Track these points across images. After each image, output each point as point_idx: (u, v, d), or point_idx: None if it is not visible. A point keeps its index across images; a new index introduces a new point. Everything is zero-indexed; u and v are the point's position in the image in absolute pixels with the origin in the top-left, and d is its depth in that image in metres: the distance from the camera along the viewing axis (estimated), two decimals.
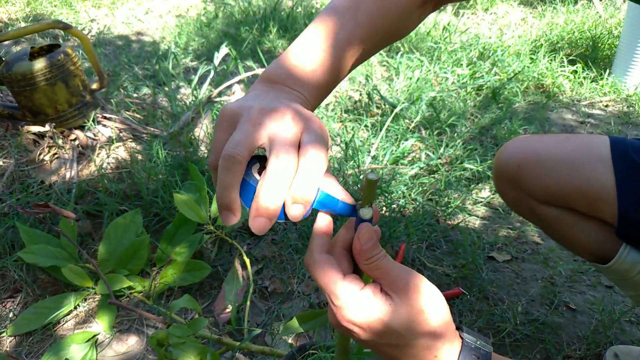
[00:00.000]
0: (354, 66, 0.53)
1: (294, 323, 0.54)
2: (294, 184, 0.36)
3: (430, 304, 0.39)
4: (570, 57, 2.56)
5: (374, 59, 2.59)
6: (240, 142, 0.36)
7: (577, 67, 2.42)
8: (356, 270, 0.41)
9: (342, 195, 0.39)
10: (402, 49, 2.67)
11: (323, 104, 2.13)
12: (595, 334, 1.05)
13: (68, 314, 1.11)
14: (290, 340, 1.02)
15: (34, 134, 1.49)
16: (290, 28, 2.94)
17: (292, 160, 0.36)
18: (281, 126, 0.38)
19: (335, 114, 2.02)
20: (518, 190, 0.79)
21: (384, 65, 2.58)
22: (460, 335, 0.42)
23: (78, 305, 1.13)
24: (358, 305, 0.38)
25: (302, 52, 0.48)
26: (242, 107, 0.39)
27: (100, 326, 1.07)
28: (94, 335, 1.05)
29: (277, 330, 1.05)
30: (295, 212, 0.36)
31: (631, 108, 2.18)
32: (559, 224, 0.76)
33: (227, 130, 0.39)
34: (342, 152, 1.69)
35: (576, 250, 0.79)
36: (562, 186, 0.72)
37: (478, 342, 0.41)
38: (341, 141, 1.76)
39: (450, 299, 1.14)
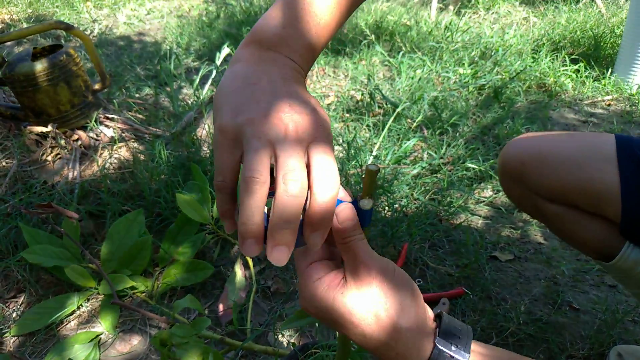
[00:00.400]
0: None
1: (294, 318, 0.54)
2: (311, 210, 0.34)
3: (391, 297, 0.38)
4: (573, 56, 2.55)
5: (376, 59, 2.59)
6: (257, 162, 0.33)
7: (579, 66, 2.41)
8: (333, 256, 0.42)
9: (342, 194, 0.39)
10: (403, 48, 2.67)
11: (325, 104, 2.13)
12: (599, 334, 1.05)
13: (71, 314, 1.11)
14: (292, 340, 1.02)
15: (37, 134, 1.49)
16: None
17: (303, 181, 0.34)
18: (288, 139, 0.35)
19: (337, 113, 2.02)
20: (523, 187, 0.79)
21: (386, 65, 2.58)
22: (434, 340, 0.39)
23: (81, 305, 1.13)
24: (311, 296, 0.38)
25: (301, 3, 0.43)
26: (241, 123, 0.36)
27: (103, 326, 1.07)
28: (97, 336, 1.05)
29: (280, 330, 1.05)
30: (316, 241, 0.35)
31: (634, 107, 2.17)
32: (563, 222, 0.76)
33: (231, 149, 0.36)
34: (344, 151, 1.68)
35: (580, 247, 0.79)
36: (566, 184, 0.72)
37: (453, 348, 0.38)
38: (343, 141, 1.76)
39: (453, 299, 1.13)
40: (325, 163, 0.35)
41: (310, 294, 0.38)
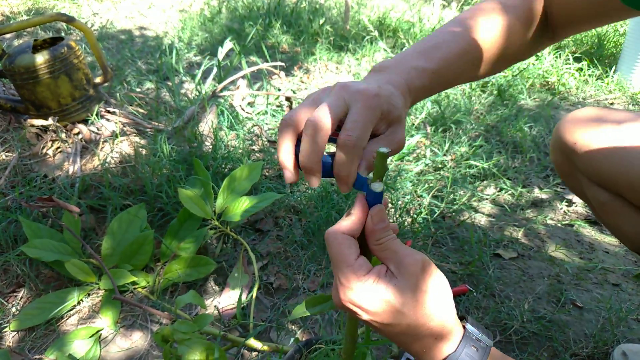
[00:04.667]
0: (462, 79, 0.56)
1: (302, 307, 0.54)
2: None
3: (435, 287, 0.40)
4: (576, 55, 2.54)
5: (379, 55, 2.57)
6: (325, 111, 0.40)
7: (582, 64, 2.40)
8: (364, 252, 0.43)
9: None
10: (406, 45, 2.65)
11: None
12: (603, 332, 1.04)
13: (71, 309, 1.10)
14: (296, 336, 1.01)
15: (37, 127, 1.48)
16: (294, 23, 2.93)
17: (366, 136, 0.41)
18: (360, 102, 0.42)
19: None
20: (572, 165, 0.77)
21: None
22: (463, 325, 0.43)
23: (82, 300, 1.12)
24: (362, 288, 0.39)
25: (413, 50, 0.53)
26: (331, 85, 0.45)
27: (104, 322, 1.06)
28: (98, 331, 1.04)
29: (283, 326, 1.04)
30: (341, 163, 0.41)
31: (636, 106, 2.16)
32: (608, 210, 0.75)
33: (312, 103, 0.44)
34: None
35: (621, 238, 0.78)
36: (615, 174, 0.70)
37: (480, 335, 0.42)
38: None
39: (456, 296, 1.13)
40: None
41: (360, 286, 0.39)
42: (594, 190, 0.75)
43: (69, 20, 1.45)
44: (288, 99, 1.75)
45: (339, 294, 0.41)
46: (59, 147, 1.46)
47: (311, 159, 0.40)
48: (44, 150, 1.44)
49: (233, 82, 2.10)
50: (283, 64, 2.28)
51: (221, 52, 2.16)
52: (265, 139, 1.72)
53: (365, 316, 0.40)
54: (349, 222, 0.41)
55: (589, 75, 2.38)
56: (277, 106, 2.01)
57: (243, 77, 2.11)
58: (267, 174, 1.53)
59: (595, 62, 2.49)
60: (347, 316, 0.50)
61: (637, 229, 0.73)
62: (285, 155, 0.42)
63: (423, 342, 0.40)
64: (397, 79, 0.48)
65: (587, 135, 0.73)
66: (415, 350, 0.41)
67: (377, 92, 0.42)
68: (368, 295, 0.39)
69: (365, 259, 0.41)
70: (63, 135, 1.47)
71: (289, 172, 0.42)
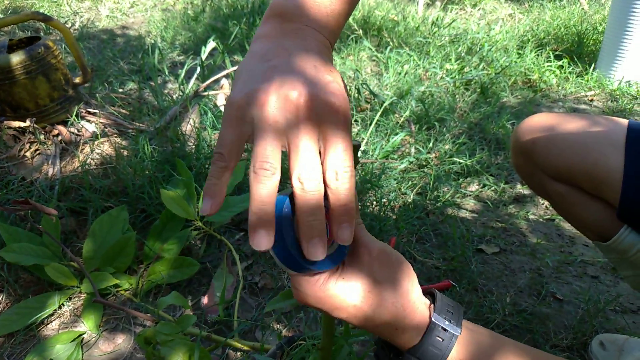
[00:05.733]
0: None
1: (277, 300, 0.54)
2: (332, 205, 0.34)
3: (392, 275, 0.39)
4: (557, 53, 2.58)
5: (364, 54, 2.58)
6: (267, 151, 0.32)
7: (563, 62, 2.44)
8: None
9: None
10: (391, 43, 2.66)
11: None
12: (582, 323, 1.06)
13: (52, 313, 1.09)
14: (282, 334, 1.01)
15: (14, 129, 1.45)
16: None
17: (318, 177, 0.33)
18: (299, 125, 0.33)
19: None
20: (532, 165, 0.81)
21: (374, 60, 2.57)
22: (430, 315, 0.40)
23: (63, 304, 1.10)
24: (310, 288, 0.37)
25: None
26: (250, 102, 0.33)
27: (86, 325, 1.05)
28: (80, 335, 1.02)
29: (268, 325, 1.04)
30: (344, 234, 0.34)
31: (615, 102, 2.21)
32: (566, 201, 0.79)
33: (237, 125, 0.34)
34: None
35: (579, 227, 0.82)
36: (571, 165, 0.74)
37: (446, 323, 0.40)
38: None
39: (440, 291, 1.14)
40: (338, 151, 0.33)
41: (307, 290, 0.38)
42: (554, 184, 0.79)
43: (46, 19, 1.42)
44: None
45: (296, 296, 0.39)
46: (37, 149, 1.43)
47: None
48: (22, 153, 1.41)
49: (217, 81, 2.08)
50: None
51: (204, 52, 2.14)
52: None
53: (321, 309, 0.39)
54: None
55: (570, 72, 2.42)
56: None
57: (227, 76, 2.10)
58: None
59: (576, 59, 2.53)
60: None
61: (595, 216, 0.76)
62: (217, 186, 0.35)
63: (386, 331, 0.40)
64: (319, 41, 0.39)
65: (543, 134, 0.78)
66: (395, 340, 0.41)
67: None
68: (321, 294, 0.38)
69: None
70: (42, 137, 1.45)
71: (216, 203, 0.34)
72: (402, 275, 0.40)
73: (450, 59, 2.41)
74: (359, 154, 1.49)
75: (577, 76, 2.41)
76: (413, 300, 0.40)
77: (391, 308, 0.38)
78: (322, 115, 0.34)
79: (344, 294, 0.38)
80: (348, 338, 0.61)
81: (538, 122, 0.80)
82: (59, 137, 1.49)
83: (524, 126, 0.81)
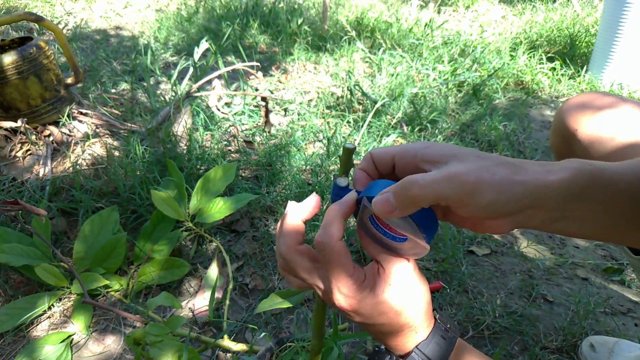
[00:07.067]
0: None
1: (267, 302, 0.54)
2: None
3: (418, 278, 0.42)
4: (549, 55, 2.59)
5: (357, 55, 2.58)
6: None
7: (555, 64, 2.46)
8: None
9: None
10: (384, 45, 2.67)
11: (305, 100, 2.12)
12: (572, 325, 1.07)
13: (42, 314, 1.08)
14: (269, 334, 1.01)
15: (6, 129, 1.44)
16: (272, 23, 2.92)
17: None
18: None
19: (318, 109, 2.01)
20: (570, 150, 0.77)
21: (367, 62, 2.58)
22: (434, 316, 0.44)
23: (52, 305, 1.10)
24: (362, 296, 0.40)
25: None
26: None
27: (76, 326, 1.04)
28: (69, 336, 1.02)
29: (258, 327, 1.04)
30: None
31: None
32: None
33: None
34: (324, 148, 1.68)
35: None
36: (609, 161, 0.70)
37: (448, 325, 0.44)
38: (324, 137, 1.75)
39: (431, 293, 1.14)
40: None
41: (360, 295, 0.40)
42: None
43: (38, 19, 1.42)
44: (264, 99, 1.74)
45: (339, 302, 0.40)
46: (28, 150, 1.43)
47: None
48: (13, 153, 1.41)
49: (209, 82, 2.08)
50: (259, 64, 2.27)
51: (197, 52, 2.14)
52: (241, 139, 1.71)
53: (358, 319, 0.41)
54: (338, 226, 0.39)
55: (562, 74, 2.43)
56: (255, 106, 2.01)
57: (219, 77, 2.09)
58: (243, 174, 1.52)
59: (568, 61, 2.55)
60: (313, 311, 0.51)
61: None
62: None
63: (405, 334, 0.42)
64: None
65: (588, 123, 0.73)
66: (395, 342, 0.42)
67: None
68: (368, 302, 0.39)
69: (358, 265, 0.42)
70: (33, 137, 1.44)
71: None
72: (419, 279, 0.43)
73: (443, 61, 2.42)
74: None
75: (569, 78, 2.42)
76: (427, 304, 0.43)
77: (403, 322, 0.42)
78: None
79: (385, 300, 0.40)
80: (337, 340, 0.61)
81: (585, 108, 0.74)
82: (51, 138, 1.49)
83: (570, 108, 0.75)
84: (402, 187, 0.35)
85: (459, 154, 0.36)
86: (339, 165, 0.45)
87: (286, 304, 0.53)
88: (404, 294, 0.40)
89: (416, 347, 0.42)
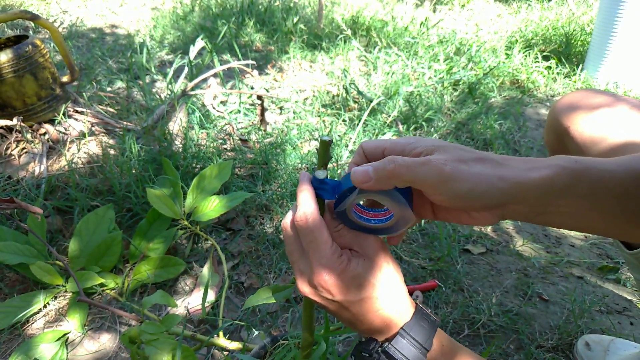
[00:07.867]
0: None
1: (254, 298, 0.54)
2: None
3: (393, 262, 0.43)
4: (545, 53, 2.60)
5: (352, 54, 2.58)
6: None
7: (550, 62, 2.47)
8: None
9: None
10: (379, 43, 2.67)
11: (301, 99, 2.12)
12: (567, 324, 1.07)
13: (37, 312, 1.08)
14: (264, 333, 1.01)
15: (1, 127, 1.44)
16: (268, 22, 2.92)
17: None
18: None
19: (313, 108, 2.01)
20: (563, 147, 0.77)
21: (362, 60, 2.58)
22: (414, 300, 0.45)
23: (48, 303, 1.09)
24: (338, 269, 0.40)
25: None
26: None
27: (72, 325, 1.04)
28: (65, 334, 1.02)
29: (253, 325, 1.04)
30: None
31: None
32: None
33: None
34: None
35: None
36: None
37: (428, 310, 0.45)
38: (319, 135, 1.75)
39: (426, 292, 1.14)
40: None
41: (337, 268, 0.40)
42: None
43: (33, 17, 1.41)
44: (260, 97, 1.74)
45: (320, 278, 0.40)
46: (24, 148, 1.42)
47: None
48: (8, 151, 1.40)
49: (205, 80, 2.08)
50: (254, 62, 2.27)
51: (193, 51, 2.14)
52: (237, 138, 1.71)
53: (339, 297, 0.40)
54: (312, 207, 0.40)
55: (557, 73, 2.44)
56: (250, 105, 2.01)
57: (215, 75, 2.09)
58: (238, 172, 1.52)
59: (563, 60, 2.56)
60: (303, 305, 0.51)
61: None
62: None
63: (388, 316, 0.41)
64: None
65: (581, 121, 0.73)
66: (376, 325, 0.42)
67: None
68: (347, 274, 0.40)
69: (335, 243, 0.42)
70: (29, 136, 1.43)
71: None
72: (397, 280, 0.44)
73: (439, 59, 2.42)
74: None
75: (564, 77, 2.43)
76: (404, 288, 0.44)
77: (381, 315, 0.42)
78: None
79: (360, 273, 0.40)
80: (328, 335, 0.61)
81: (580, 106, 0.73)
82: (46, 136, 1.48)
83: (563, 105, 0.75)
84: (383, 162, 0.37)
85: (443, 147, 0.38)
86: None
87: (272, 300, 0.53)
88: (380, 268, 0.41)
89: (402, 328, 0.42)
